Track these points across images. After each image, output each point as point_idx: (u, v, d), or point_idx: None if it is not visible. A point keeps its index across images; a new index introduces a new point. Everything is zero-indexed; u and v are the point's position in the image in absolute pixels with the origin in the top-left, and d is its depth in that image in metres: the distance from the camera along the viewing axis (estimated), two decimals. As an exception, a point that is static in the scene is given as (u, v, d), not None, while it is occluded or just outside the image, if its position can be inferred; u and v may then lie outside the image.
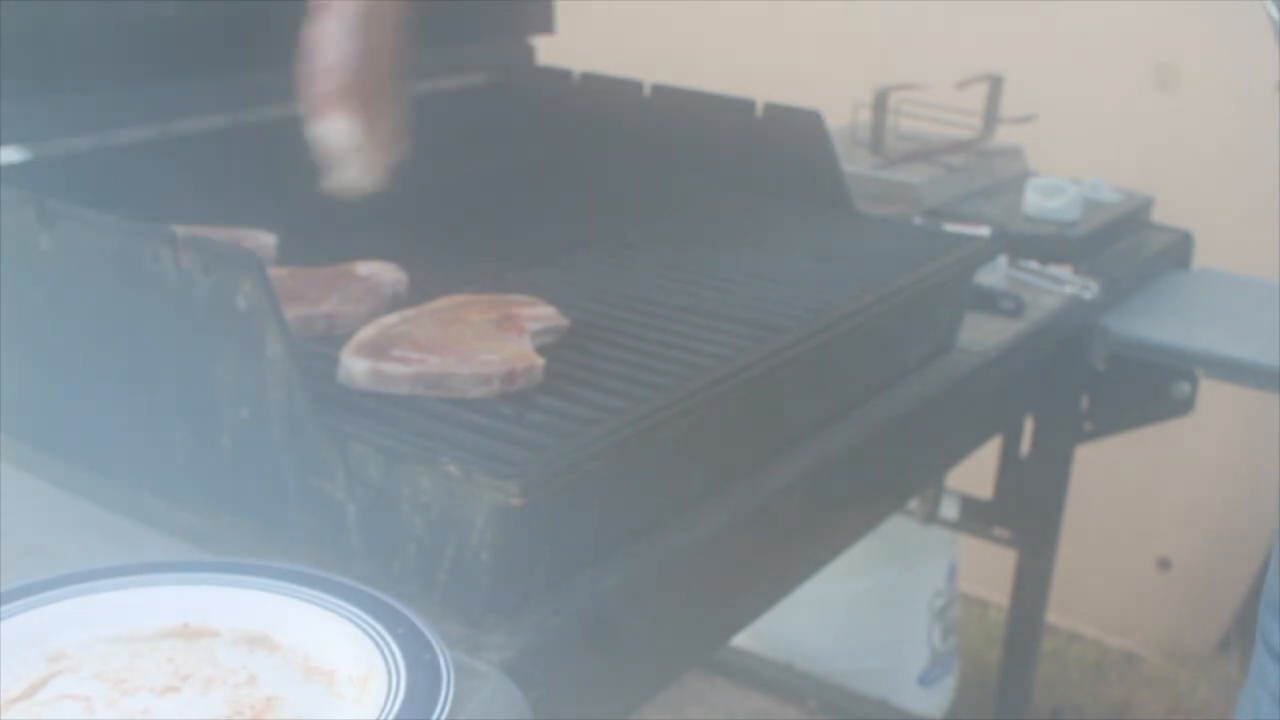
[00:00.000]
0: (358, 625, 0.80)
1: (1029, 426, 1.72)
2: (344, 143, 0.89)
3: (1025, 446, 1.74)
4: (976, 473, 1.72)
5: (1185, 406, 1.58)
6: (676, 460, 1.00)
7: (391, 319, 1.04)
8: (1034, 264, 1.58)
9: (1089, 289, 1.55)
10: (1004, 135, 1.86)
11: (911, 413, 1.24)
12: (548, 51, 1.67)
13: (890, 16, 2.35)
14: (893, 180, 1.69)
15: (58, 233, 0.97)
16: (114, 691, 0.76)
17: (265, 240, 1.20)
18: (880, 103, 1.76)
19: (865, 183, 1.64)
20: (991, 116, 1.85)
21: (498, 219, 1.38)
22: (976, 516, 1.84)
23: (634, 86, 1.51)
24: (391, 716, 0.72)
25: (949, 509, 1.85)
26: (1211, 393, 1.59)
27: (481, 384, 0.96)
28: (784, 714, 2.23)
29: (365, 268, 1.15)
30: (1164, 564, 2.41)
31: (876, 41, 2.36)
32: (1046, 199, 1.65)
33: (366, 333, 1.01)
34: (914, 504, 1.84)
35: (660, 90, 1.50)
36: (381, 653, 0.78)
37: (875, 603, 2.15)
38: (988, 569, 2.22)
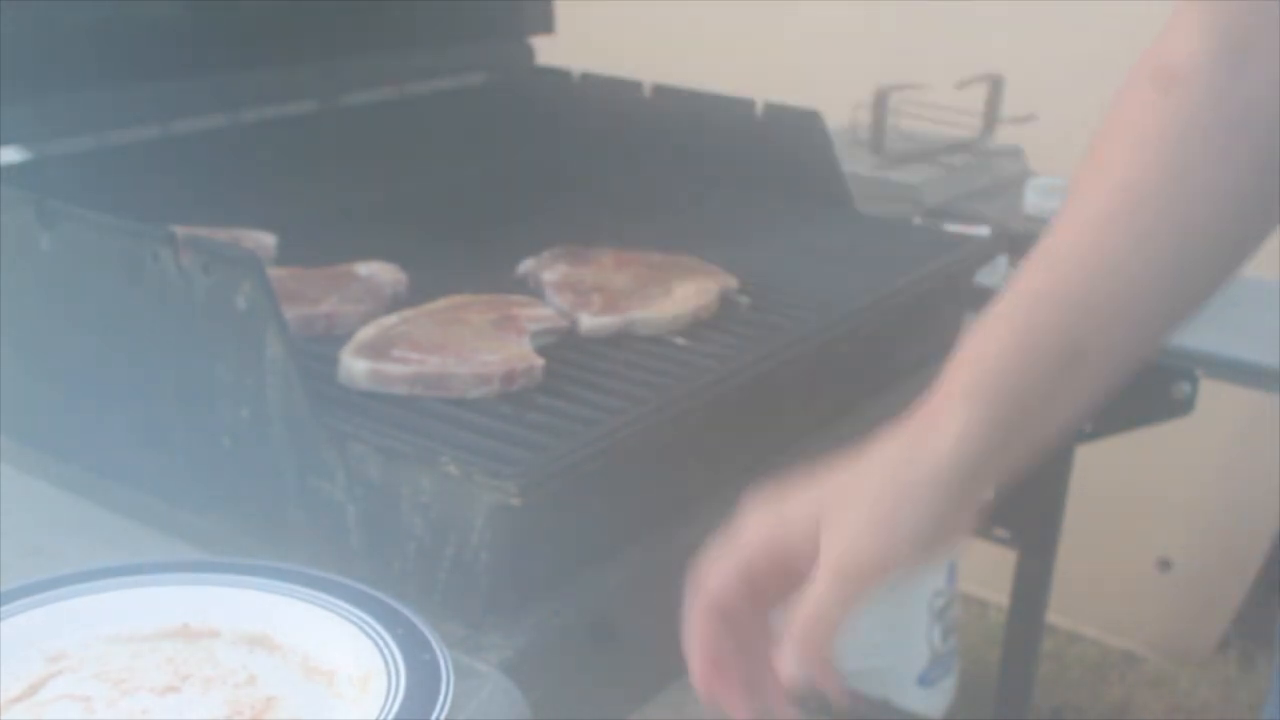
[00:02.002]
0: (357, 625, 0.80)
1: (1029, 426, 1.71)
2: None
3: (1025, 446, 1.74)
4: (976, 473, 1.72)
5: (1185, 406, 1.57)
6: (676, 460, 1.00)
7: (391, 319, 1.04)
8: (1034, 264, 1.57)
9: (1089, 289, 1.54)
10: (1004, 135, 1.86)
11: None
12: (548, 51, 1.67)
13: (890, 16, 2.35)
14: (893, 180, 1.69)
15: (58, 233, 0.97)
16: (114, 691, 0.76)
17: (265, 240, 1.20)
18: (880, 103, 1.76)
19: (865, 183, 1.63)
20: (991, 116, 1.85)
21: (498, 219, 1.38)
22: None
23: (634, 86, 1.51)
24: (391, 716, 0.72)
25: (949, 509, 1.85)
26: (1211, 393, 1.58)
27: (481, 384, 0.96)
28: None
29: (365, 268, 1.15)
30: (1164, 564, 2.41)
31: (876, 41, 2.36)
32: (1046, 199, 1.65)
33: (366, 333, 1.01)
34: (914, 504, 1.83)
35: (660, 90, 1.50)
36: (381, 653, 0.78)
37: (875, 603, 2.15)
38: (988, 569, 2.22)
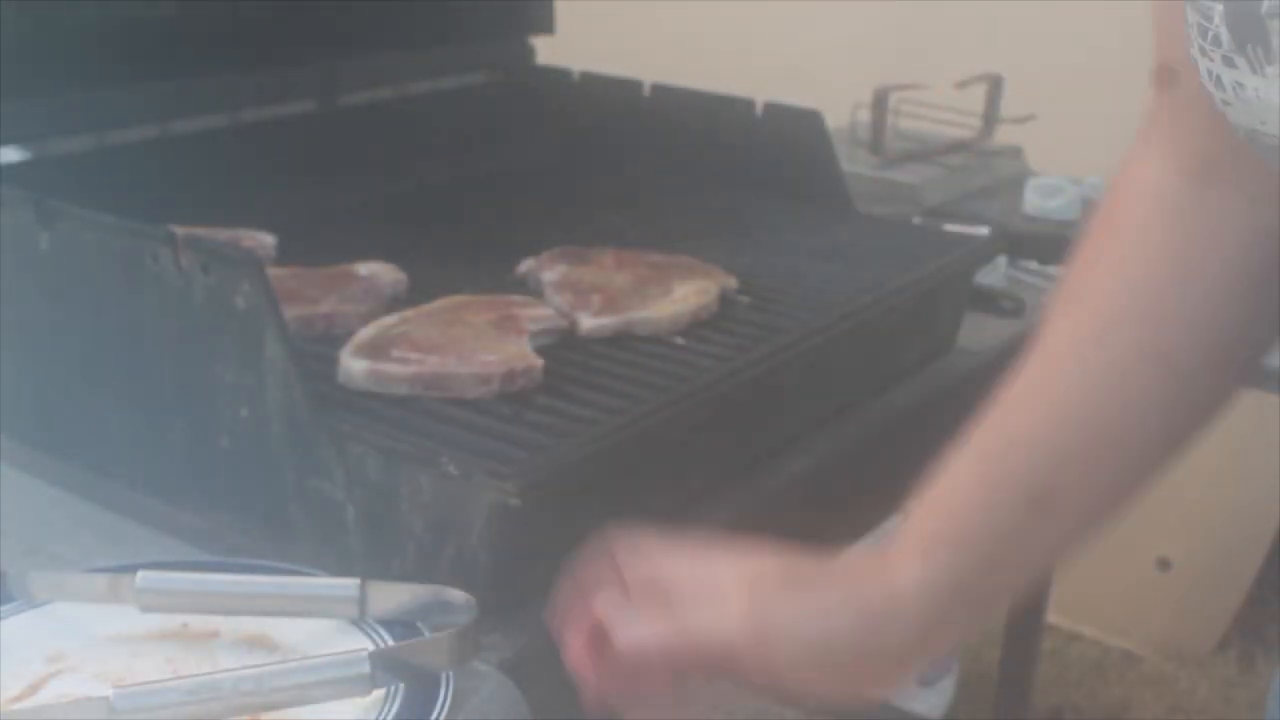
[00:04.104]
0: (357, 625, 0.80)
1: (1029, 426, 1.72)
2: None
3: (1025, 447, 1.74)
4: (976, 473, 1.72)
5: (1185, 407, 1.57)
6: (676, 460, 1.00)
7: (391, 319, 1.04)
8: (1034, 264, 1.58)
9: (1089, 289, 1.54)
10: (1004, 135, 1.86)
11: (911, 413, 1.24)
12: (548, 51, 1.67)
13: (890, 16, 2.35)
14: (893, 180, 1.69)
15: (57, 233, 0.97)
16: (114, 691, 0.76)
17: (265, 240, 1.20)
18: (880, 103, 1.76)
19: (865, 183, 1.63)
20: (991, 116, 1.85)
21: (498, 219, 1.38)
22: (976, 517, 1.84)
23: (634, 86, 1.51)
24: (391, 716, 0.72)
25: (949, 509, 1.85)
26: (1211, 393, 1.58)
27: (481, 384, 0.96)
28: (784, 714, 2.23)
29: (365, 268, 1.15)
30: (1164, 564, 2.41)
31: (876, 41, 2.36)
32: (1046, 199, 1.65)
33: (366, 333, 1.01)
34: (914, 504, 1.83)
35: (660, 90, 1.50)
36: (381, 653, 0.78)
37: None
38: (988, 569, 2.22)
